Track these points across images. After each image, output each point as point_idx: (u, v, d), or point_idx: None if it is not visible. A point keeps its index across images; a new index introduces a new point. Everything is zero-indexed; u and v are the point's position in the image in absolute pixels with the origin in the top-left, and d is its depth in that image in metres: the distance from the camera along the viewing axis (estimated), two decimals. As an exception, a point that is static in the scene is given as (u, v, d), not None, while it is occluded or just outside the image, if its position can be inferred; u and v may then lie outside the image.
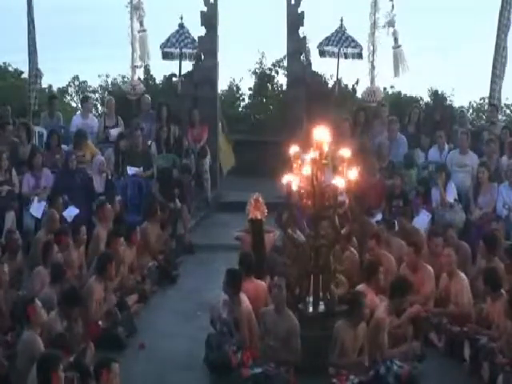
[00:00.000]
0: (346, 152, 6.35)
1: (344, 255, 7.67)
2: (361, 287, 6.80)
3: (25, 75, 15.21)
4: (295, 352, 6.08)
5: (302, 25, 12.54)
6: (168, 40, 12.92)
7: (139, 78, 13.86)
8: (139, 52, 12.42)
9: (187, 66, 13.05)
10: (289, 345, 6.07)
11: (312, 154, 6.28)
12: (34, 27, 11.92)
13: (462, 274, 7.06)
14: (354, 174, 6.30)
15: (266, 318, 6.25)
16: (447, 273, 7.15)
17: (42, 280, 7.01)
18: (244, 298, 6.42)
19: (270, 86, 17.07)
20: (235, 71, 17.23)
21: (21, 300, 6.53)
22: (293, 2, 12.45)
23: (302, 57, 12.86)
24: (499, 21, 12.06)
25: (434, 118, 11.99)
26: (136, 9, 12.20)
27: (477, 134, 11.19)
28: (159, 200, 9.91)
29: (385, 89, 16.07)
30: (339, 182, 6.18)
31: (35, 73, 12.14)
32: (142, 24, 12.37)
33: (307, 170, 6.30)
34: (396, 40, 12.18)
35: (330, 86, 13.71)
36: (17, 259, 7.59)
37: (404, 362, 5.96)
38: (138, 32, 12.37)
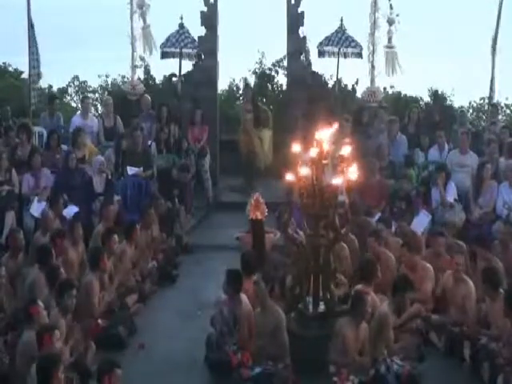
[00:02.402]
0: (345, 151, 6.35)
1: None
2: (359, 287, 6.79)
3: (25, 75, 15.21)
4: (283, 345, 6.08)
5: (302, 25, 12.55)
6: (168, 40, 12.94)
7: (139, 78, 13.88)
8: (144, 47, 12.42)
9: (187, 65, 13.09)
10: (276, 339, 6.07)
11: (312, 154, 6.28)
12: (32, 26, 11.91)
13: (470, 282, 6.99)
14: (353, 173, 6.30)
15: (257, 318, 6.28)
16: (454, 278, 7.11)
17: (40, 284, 6.94)
18: (244, 298, 6.42)
19: (270, 85, 17.07)
20: (235, 71, 17.25)
21: (22, 300, 6.56)
22: (293, 1, 12.45)
23: (302, 57, 12.87)
24: (498, 21, 12.09)
25: (433, 117, 12.00)
26: (140, 7, 12.21)
27: (477, 134, 11.19)
28: (156, 197, 9.91)
29: (385, 89, 16.08)
30: (338, 182, 6.17)
31: (34, 72, 12.13)
32: (145, 21, 12.38)
33: (307, 170, 6.30)
34: (390, 39, 12.20)
35: (329, 85, 13.73)
36: (18, 259, 7.58)
37: (404, 362, 5.97)
38: (142, 29, 12.39)
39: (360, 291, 6.36)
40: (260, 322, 6.21)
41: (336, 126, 6.44)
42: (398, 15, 12.02)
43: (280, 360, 6.01)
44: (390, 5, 11.94)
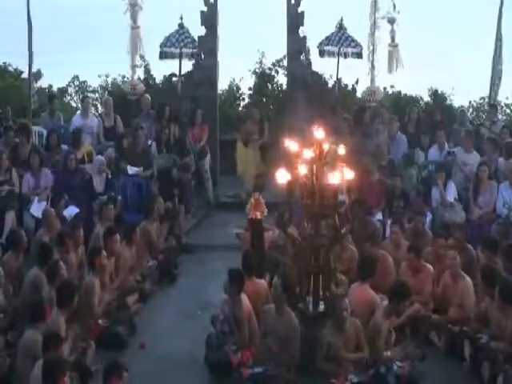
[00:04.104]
0: (342, 151, 6.36)
1: (344, 254, 7.66)
2: (356, 285, 6.80)
3: (25, 75, 15.22)
4: (294, 354, 6.06)
5: (302, 24, 12.54)
6: (168, 40, 12.93)
7: (139, 78, 13.88)
8: (131, 48, 12.40)
9: (187, 65, 13.10)
10: (288, 346, 6.06)
11: (312, 153, 6.28)
12: (31, 26, 11.91)
13: (468, 278, 7.01)
14: (351, 173, 6.30)
15: (267, 317, 6.25)
16: (451, 275, 7.12)
17: (41, 283, 6.93)
18: (244, 297, 6.42)
19: (270, 85, 17.08)
20: (235, 71, 17.26)
21: (23, 300, 6.57)
22: (293, 1, 12.45)
23: (302, 57, 12.87)
24: (498, 21, 12.11)
25: (433, 117, 12.01)
26: (133, 5, 12.21)
27: (477, 132, 11.19)
28: (156, 197, 9.90)
29: (385, 89, 16.11)
30: (336, 181, 6.17)
31: (34, 72, 12.15)
32: (135, 21, 12.37)
33: (307, 169, 6.30)
34: (393, 38, 12.22)
35: (329, 85, 13.73)
36: (20, 258, 7.57)
37: (404, 362, 5.96)
38: (132, 29, 12.38)
39: (335, 296, 6.35)
40: (273, 322, 6.18)
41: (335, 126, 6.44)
42: (399, 12, 12.05)
43: (285, 364, 6.00)
44: (394, 4, 11.97)
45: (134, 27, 12.39)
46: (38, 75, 12.33)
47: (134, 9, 12.26)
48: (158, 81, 16.52)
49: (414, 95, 17.56)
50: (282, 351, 6.07)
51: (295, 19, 12.47)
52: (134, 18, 12.33)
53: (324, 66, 13.80)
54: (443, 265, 7.48)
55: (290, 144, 6.50)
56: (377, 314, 6.36)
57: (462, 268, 7.21)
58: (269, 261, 7.56)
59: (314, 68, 12.96)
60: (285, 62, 14.91)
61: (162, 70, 15.96)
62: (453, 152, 10.48)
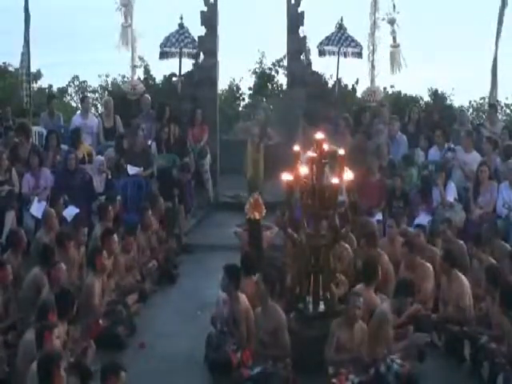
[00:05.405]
0: (341, 151, 6.37)
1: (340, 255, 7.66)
2: (359, 287, 6.79)
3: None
4: (284, 346, 6.07)
5: (302, 24, 12.55)
6: (168, 40, 12.93)
7: (139, 78, 13.89)
8: (120, 43, 12.40)
9: (187, 65, 13.11)
10: (277, 339, 6.07)
11: (312, 154, 6.28)
12: (28, 27, 11.92)
13: (463, 277, 7.00)
14: (350, 173, 6.30)
15: (258, 316, 6.28)
16: (446, 275, 7.11)
17: (41, 283, 6.91)
18: (242, 297, 6.42)
19: (270, 85, 17.10)
20: (235, 71, 17.29)
21: (24, 300, 6.57)
22: (293, 1, 12.45)
23: (302, 56, 12.87)
24: (499, 21, 12.11)
25: (433, 117, 12.01)
26: (124, 5, 12.22)
27: (477, 131, 11.20)
28: (155, 197, 9.90)
29: (385, 88, 16.14)
30: (336, 181, 6.17)
31: (27, 71, 12.15)
32: (126, 19, 12.38)
33: (307, 170, 6.30)
34: (394, 39, 12.24)
35: (329, 85, 13.74)
36: (19, 258, 7.57)
37: (404, 361, 5.96)
38: (122, 26, 12.37)
39: (349, 293, 6.35)
40: (261, 322, 6.21)
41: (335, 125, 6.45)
42: (398, 12, 12.06)
43: (280, 360, 6.01)
44: (393, 5, 11.98)
45: (125, 25, 12.37)
46: (37, 75, 12.31)
47: (126, 8, 12.27)
48: (158, 81, 16.55)
49: (414, 95, 17.60)
50: (273, 345, 6.07)
51: (295, 19, 12.47)
52: (125, 16, 12.33)
53: (324, 66, 13.86)
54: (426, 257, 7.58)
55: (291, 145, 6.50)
56: (383, 304, 6.36)
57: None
58: (266, 260, 7.56)
59: (314, 68, 12.98)
60: (285, 62, 14.97)
61: (162, 70, 16.06)
62: (453, 148, 10.48)
